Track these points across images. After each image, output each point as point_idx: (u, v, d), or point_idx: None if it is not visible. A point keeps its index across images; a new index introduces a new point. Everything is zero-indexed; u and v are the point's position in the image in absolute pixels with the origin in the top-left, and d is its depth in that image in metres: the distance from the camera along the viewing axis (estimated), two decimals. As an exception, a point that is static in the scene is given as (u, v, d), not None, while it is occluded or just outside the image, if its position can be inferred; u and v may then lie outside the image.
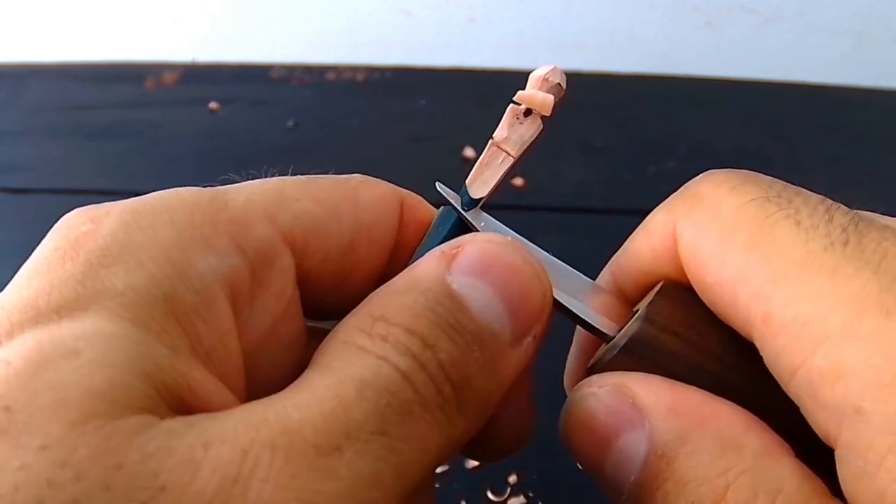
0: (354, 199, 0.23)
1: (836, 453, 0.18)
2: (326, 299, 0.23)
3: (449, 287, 0.20)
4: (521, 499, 0.43)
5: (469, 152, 0.64)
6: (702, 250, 0.20)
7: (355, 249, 0.23)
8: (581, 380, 0.22)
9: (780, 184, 0.20)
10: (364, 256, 0.23)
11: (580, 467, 0.22)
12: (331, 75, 0.73)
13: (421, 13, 0.75)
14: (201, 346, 0.19)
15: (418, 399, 0.18)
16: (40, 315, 0.17)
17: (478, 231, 0.24)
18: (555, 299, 0.22)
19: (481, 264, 0.20)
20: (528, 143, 0.24)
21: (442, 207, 0.25)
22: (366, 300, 0.20)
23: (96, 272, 0.18)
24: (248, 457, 0.15)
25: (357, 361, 0.18)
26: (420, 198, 0.25)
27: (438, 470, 0.42)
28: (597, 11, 0.73)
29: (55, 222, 0.20)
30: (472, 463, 0.44)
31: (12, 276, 0.19)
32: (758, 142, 0.66)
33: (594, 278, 0.25)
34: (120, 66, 0.75)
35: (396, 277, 0.21)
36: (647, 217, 0.23)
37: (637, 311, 0.22)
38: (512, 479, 0.44)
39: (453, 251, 0.20)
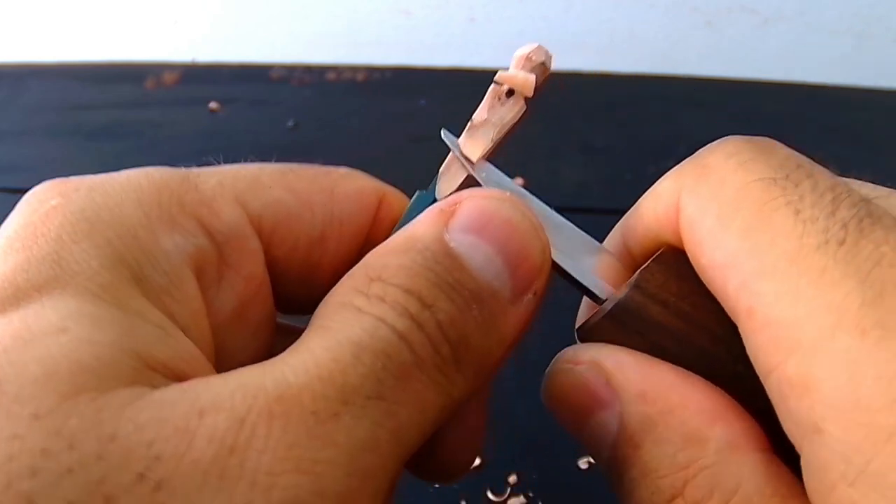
0: (331, 191, 0.23)
1: (801, 461, 0.17)
2: (296, 290, 0.23)
3: (447, 245, 0.19)
4: (521, 499, 0.43)
5: (469, 152, 0.64)
6: (700, 228, 0.19)
7: (325, 241, 0.23)
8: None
9: (794, 161, 0.19)
10: (333, 249, 0.23)
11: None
12: (331, 75, 0.73)
13: (421, 13, 0.75)
14: (178, 325, 0.19)
15: (416, 360, 0.18)
16: (20, 292, 0.17)
17: (479, 184, 0.23)
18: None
19: (479, 221, 0.20)
20: (508, 126, 0.23)
21: (417, 192, 0.24)
22: (362, 260, 0.20)
23: (69, 250, 0.18)
24: (244, 426, 0.15)
25: (354, 323, 0.18)
26: (402, 195, 0.25)
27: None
28: (597, 11, 0.73)
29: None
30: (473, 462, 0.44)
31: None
32: (758, 142, 0.66)
33: None
34: (120, 66, 0.74)
35: (394, 236, 0.20)
36: (658, 181, 0.22)
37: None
38: (512, 479, 0.44)
39: (451, 208, 0.20)
